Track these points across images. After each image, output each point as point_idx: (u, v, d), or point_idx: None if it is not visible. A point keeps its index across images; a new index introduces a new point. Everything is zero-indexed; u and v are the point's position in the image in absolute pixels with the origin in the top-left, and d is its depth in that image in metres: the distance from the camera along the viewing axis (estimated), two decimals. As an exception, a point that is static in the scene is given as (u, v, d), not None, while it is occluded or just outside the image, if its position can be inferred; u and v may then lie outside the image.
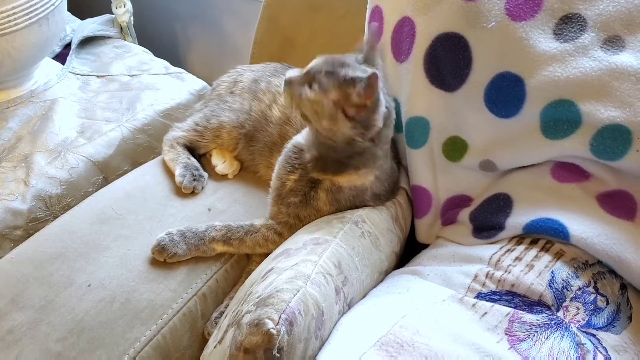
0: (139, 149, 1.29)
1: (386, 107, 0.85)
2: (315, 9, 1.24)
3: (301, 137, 0.93)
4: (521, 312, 0.75)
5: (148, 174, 1.09)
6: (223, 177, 1.10)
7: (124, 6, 1.59)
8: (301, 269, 0.74)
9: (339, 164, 0.88)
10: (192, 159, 1.09)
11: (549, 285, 0.78)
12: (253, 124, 1.06)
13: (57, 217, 1.02)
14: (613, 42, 0.82)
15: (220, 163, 1.10)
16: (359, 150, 0.86)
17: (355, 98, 0.80)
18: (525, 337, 0.72)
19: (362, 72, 0.81)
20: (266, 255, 0.87)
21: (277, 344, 0.63)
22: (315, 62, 0.84)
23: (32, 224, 1.12)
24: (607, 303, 0.78)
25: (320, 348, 0.71)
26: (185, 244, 0.92)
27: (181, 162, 1.06)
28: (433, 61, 0.89)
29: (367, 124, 0.83)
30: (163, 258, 0.91)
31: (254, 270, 0.85)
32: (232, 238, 0.93)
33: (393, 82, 0.97)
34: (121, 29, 1.62)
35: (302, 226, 0.90)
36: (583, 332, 0.74)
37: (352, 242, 0.84)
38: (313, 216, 0.91)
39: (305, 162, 0.90)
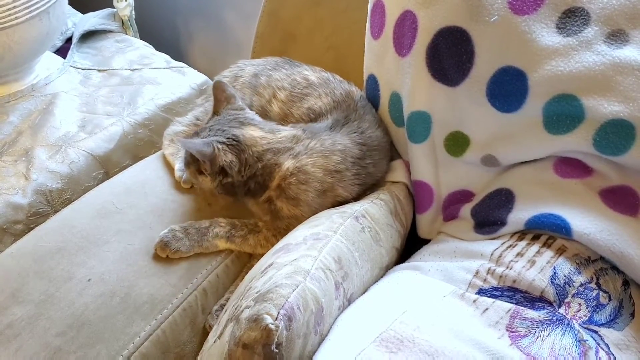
0: (140, 144, 1.29)
1: (231, 137, 0.91)
2: (316, 3, 1.23)
3: None
4: (522, 308, 0.75)
5: (148, 168, 1.09)
6: (224, 172, 1.09)
7: (125, 0, 1.58)
8: (301, 264, 0.73)
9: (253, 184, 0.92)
10: (193, 153, 1.08)
11: (551, 282, 0.77)
12: (253, 118, 1.06)
13: (57, 212, 1.02)
14: (617, 36, 0.81)
15: (221, 158, 1.10)
16: (249, 174, 0.91)
17: (196, 165, 0.92)
18: (526, 333, 0.72)
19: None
20: (266, 253, 0.87)
21: (276, 340, 0.63)
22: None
23: (33, 218, 1.12)
24: (610, 299, 0.78)
25: (319, 344, 0.71)
26: (188, 240, 0.92)
27: (181, 157, 1.06)
28: (435, 55, 0.89)
29: (219, 169, 0.90)
30: (166, 254, 0.91)
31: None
32: (235, 236, 0.94)
33: (395, 77, 0.97)
34: (122, 23, 1.62)
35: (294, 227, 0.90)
36: (585, 328, 0.74)
37: (353, 238, 0.84)
38: (292, 225, 0.90)
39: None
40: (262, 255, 0.91)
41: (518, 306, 0.75)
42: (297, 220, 0.90)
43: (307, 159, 0.90)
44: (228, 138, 0.90)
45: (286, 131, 0.94)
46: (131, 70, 1.44)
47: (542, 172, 0.88)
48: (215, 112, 0.98)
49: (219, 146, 0.89)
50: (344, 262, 0.79)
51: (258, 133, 0.92)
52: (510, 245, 0.84)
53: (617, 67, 0.79)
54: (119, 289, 0.86)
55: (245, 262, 0.98)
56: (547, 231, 0.83)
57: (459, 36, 0.86)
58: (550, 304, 0.76)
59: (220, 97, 0.97)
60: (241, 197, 0.95)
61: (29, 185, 1.14)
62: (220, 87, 0.97)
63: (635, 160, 0.80)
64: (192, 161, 0.93)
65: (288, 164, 0.90)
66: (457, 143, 0.93)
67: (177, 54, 1.79)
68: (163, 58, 1.50)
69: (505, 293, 0.78)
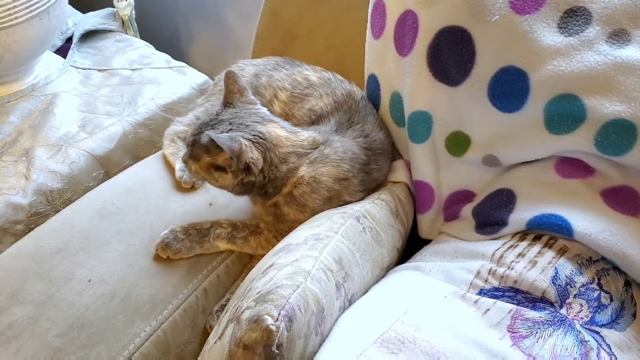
0: (140, 144, 1.29)
1: (257, 134, 0.87)
2: (317, 2, 1.23)
3: None
4: (524, 308, 0.75)
5: (149, 168, 1.09)
6: (224, 172, 1.09)
7: (126, 0, 1.58)
8: (301, 265, 0.73)
9: (270, 188, 0.90)
10: (193, 153, 1.08)
11: (552, 282, 0.77)
12: (254, 118, 1.05)
13: (58, 212, 1.02)
14: (618, 35, 0.81)
15: (222, 158, 1.09)
16: (272, 176, 0.88)
17: (213, 159, 0.86)
18: (528, 334, 0.72)
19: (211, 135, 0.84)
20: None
21: (277, 340, 0.63)
22: (190, 131, 0.91)
23: (33, 218, 1.12)
24: (611, 300, 0.78)
25: (320, 344, 0.71)
26: (189, 241, 0.92)
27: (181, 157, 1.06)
28: (436, 55, 0.88)
29: (244, 167, 0.86)
30: (166, 255, 0.91)
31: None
32: (236, 237, 0.94)
33: (396, 77, 0.96)
34: (123, 22, 1.62)
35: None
36: (586, 329, 0.74)
37: (353, 238, 0.83)
38: (294, 227, 0.89)
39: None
40: (262, 256, 0.91)
41: (519, 307, 0.75)
42: (299, 224, 0.90)
43: (322, 168, 0.90)
44: (254, 135, 0.87)
45: (306, 133, 0.92)
46: (131, 70, 1.44)
47: (543, 172, 0.88)
48: (227, 104, 0.93)
49: (245, 142, 0.85)
50: (344, 263, 0.79)
51: (282, 133, 0.90)
52: (512, 246, 0.83)
53: (619, 67, 0.79)
54: (119, 289, 0.86)
55: (245, 262, 0.97)
56: (548, 231, 0.83)
57: (460, 36, 0.86)
58: (551, 304, 0.76)
59: (233, 88, 0.93)
60: (252, 196, 0.93)
61: (29, 185, 1.13)
62: (233, 77, 0.93)
63: (637, 160, 0.80)
64: (205, 154, 0.86)
65: (304, 171, 0.89)
66: (458, 143, 0.93)
67: (178, 54, 1.79)
68: (163, 58, 1.50)
69: (506, 294, 0.78)
